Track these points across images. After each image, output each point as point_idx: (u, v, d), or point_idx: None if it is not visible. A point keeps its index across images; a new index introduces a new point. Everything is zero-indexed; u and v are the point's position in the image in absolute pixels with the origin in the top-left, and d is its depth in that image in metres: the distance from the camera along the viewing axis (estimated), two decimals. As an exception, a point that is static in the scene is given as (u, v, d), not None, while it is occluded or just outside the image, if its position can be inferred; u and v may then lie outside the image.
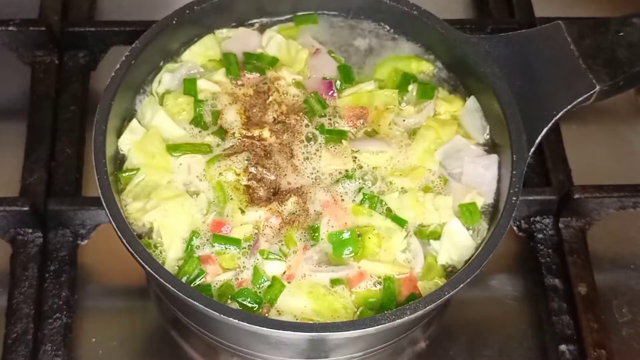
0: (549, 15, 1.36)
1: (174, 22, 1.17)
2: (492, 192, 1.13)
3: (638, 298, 1.25)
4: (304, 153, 1.14)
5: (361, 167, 1.14)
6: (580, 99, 1.14)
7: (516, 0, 1.46)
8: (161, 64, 1.20)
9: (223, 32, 1.24)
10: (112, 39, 1.37)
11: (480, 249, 1.06)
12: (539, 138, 1.11)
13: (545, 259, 1.25)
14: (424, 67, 1.23)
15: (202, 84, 1.18)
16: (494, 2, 1.48)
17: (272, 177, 1.12)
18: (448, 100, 1.20)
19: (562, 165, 1.30)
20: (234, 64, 1.20)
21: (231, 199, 1.10)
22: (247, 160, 1.12)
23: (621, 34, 1.18)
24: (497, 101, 1.13)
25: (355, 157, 1.14)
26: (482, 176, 1.14)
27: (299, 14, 1.26)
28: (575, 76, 1.15)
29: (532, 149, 1.10)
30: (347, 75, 1.21)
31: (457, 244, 1.09)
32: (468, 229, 1.10)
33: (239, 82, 1.20)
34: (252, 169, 1.11)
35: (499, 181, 1.14)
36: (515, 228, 1.28)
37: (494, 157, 1.15)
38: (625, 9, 1.28)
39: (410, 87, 1.20)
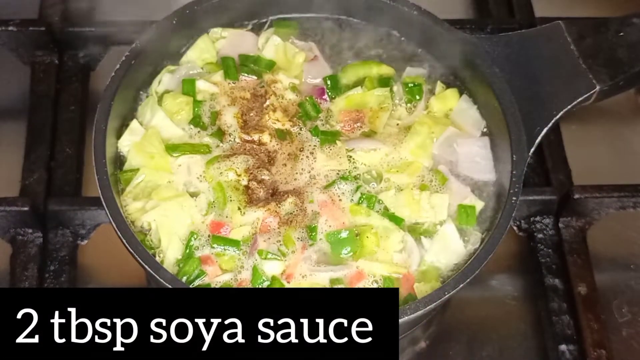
0: (549, 15, 1.36)
1: (174, 22, 1.17)
2: (492, 170, 1.14)
3: (638, 298, 1.25)
4: (300, 153, 1.15)
5: (356, 167, 1.14)
6: (580, 99, 1.14)
7: (516, 0, 1.46)
8: (161, 64, 1.20)
9: (217, 32, 1.24)
10: (112, 39, 1.37)
11: (480, 248, 1.06)
12: (539, 138, 1.11)
13: (545, 259, 1.25)
14: (384, 71, 1.22)
15: (200, 84, 1.18)
16: (494, 2, 1.48)
17: (272, 179, 1.12)
18: (441, 97, 1.20)
19: (562, 165, 1.30)
20: (232, 68, 1.20)
21: (231, 200, 1.10)
22: (246, 162, 1.12)
23: (621, 34, 1.18)
24: (497, 101, 1.13)
25: (350, 157, 1.14)
26: (480, 154, 1.14)
27: (279, 16, 1.25)
28: (575, 76, 1.15)
29: (532, 149, 1.10)
30: (335, 85, 1.20)
31: (448, 247, 1.09)
32: (461, 232, 1.11)
33: (237, 86, 1.20)
34: (255, 171, 1.11)
35: (497, 163, 1.14)
36: (515, 228, 1.28)
37: (485, 139, 1.16)
38: (625, 9, 1.28)
39: (395, 88, 1.21)
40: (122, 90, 1.12)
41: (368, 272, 1.07)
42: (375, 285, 1.07)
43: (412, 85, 1.20)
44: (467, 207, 1.11)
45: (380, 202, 1.11)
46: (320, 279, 1.06)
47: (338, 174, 1.13)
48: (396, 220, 1.10)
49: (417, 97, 1.20)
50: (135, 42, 1.14)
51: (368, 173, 1.14)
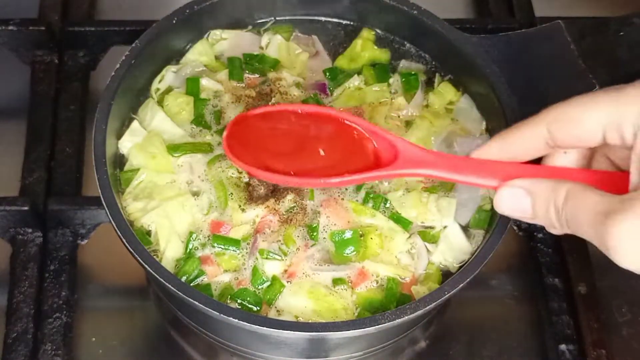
0: (549, 15, 1.36)
1: (174, 21, 1.17)
2: None
3: (638, 298, 1.25)
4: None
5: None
6: (580, 99, 1.14)
7: (516, 0, 1.46)
8: (161, 64, 1.20)
9: (217, 34, 1.24)
10: (112, 39, 1.37)
11: (480, 248, 1.06)
12: (539, 138, 1.11)
13: (545, 258, 1.25)
14: (378, 55, 1.24)
15: (204, 82, 1.19)
16: (494, 2, 1.48)
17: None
18: (437, 92, 1.20)
19: (562, 165, 1.30)
20: (238, 68, 1.20)
21: (232, 198, 1.10)
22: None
23: (621, 33, 1.18)
24: (497, 101, 1.13)
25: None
26: None
27: (277, 18, 1.26)
28: (575, 76, 1.15)
29: (532, 149, 1.10)
30: (334, 77, 1.21)
31: (453, 246, 1.09)
32: (465, 230, 1.11)
33: (241, 85, 1.20)
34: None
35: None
36: (515, 228, 1.28)
37: (484, 138, 1.16)
38: (625, 9, 1.28)
39: (391, 80, 1.21)
40: (122, 90, 1.12)
41: (372, 272, 1.07)
42: (375, 285, 1.07)
43: (409, 74, 1.20)
44: (482, 211, 1.11)
45: (387, 201, 1.11)
46: (322, 278, 1.06)
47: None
48: (404, 223, 1.10)
49: (415, 87, 1.20)
50: (135, 42, 1.14)
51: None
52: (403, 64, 1.23)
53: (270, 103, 1.17)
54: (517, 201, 0.88)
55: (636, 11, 1.20)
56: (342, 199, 1.11)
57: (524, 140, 0.91)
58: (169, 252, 1.06)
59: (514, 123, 1.09)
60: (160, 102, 1.18)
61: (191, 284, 1.05)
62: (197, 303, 0.97)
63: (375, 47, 1.24)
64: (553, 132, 0.88)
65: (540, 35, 1.19)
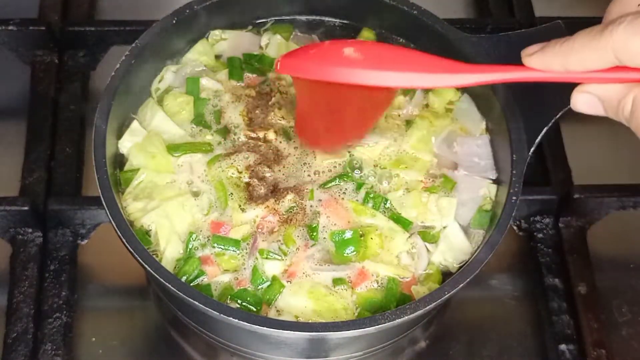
0: (549, 15, 1.36)
1: (174, 21, 1.17)
2: (492, 169, 1.14)
3: (638, 298, 1.25)
4: (297, 148, 1.15)
5: (359, 165, 1.14)
6: (580, 98, 1.14)
7: (516, 0, 1.46)
8: (162, 64, 1.20)
9: (216, 34, 1.24)
10: (112, 38, 1.37)
11: (480, 248, 1.06)
12: (539, 137, 1.11)
13: (545, 258, 1.25)
14: None
15: (204, 82, 1.19)
16: (494, 2, 1.48)
17: (274, 176, 1.12)
18: (437, 91, 1.20)
19: (562, 164, 1.30)
20: (238, 68, 1.20)
21: (232, 198, 1.10)
22: (246, 159, 1.12)
23: (621, 33, 1.17)
24: (497, 101, 1.13)
25: (350, 152, 1.14)
26: (479, 154, 1.15)
27: (277, 18, 1.26)
28: (575, 76, 1.15)
29: (532, 149, 1.10)
30: None
31: (453, 246, 1.09)
32: (465, 230, 1.11)
33: (241, 85, 1.20)
34: (257, 168, 1.12)
35: (496, 162, 1.15)
36: (515, 228, 1.28)
37: (484, 138, 1.16)
38: (625, 8, 1.28)
39: None
40: (122, 90, 1.12)
41: (372, 272, 1.07)
42: (376, 285, 1.07)
43: None
44: (483, 211, 1.11)
45: (387, 201, 1.11)
46: (322, 278, 1.06)
47: (340, 165, 1.13)
48: (404, 223, 1.10)
49: None
50: (135, 42, 1.14)
51: (374, 170, 1.14)
52: None
53: (270, 103, 1.17)
54: (591, 104, 0.92)
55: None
56: (342, 198, 1.11)
57: (587, 60, 0.88)
58: (169, 252, 1.07)
59: (514, 123, 1.10)
60: (160, 102, 1.18)
61: (191, 284, 1.05)
62: (197, 303, 0.97)
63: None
64: (620, 58, 0.86)
65: (540, 35, 1.18)
